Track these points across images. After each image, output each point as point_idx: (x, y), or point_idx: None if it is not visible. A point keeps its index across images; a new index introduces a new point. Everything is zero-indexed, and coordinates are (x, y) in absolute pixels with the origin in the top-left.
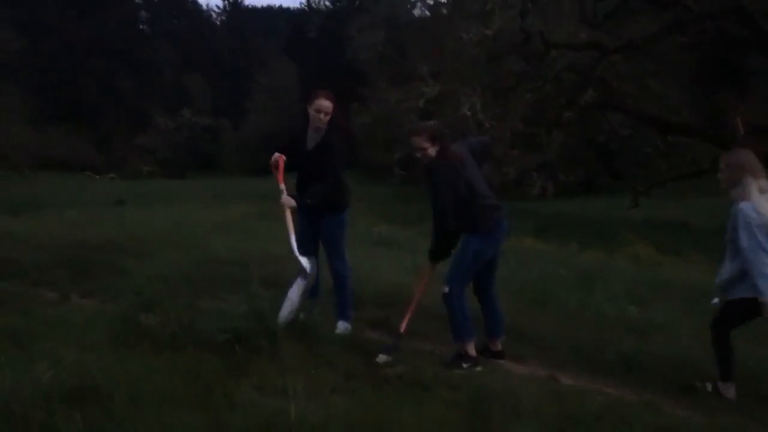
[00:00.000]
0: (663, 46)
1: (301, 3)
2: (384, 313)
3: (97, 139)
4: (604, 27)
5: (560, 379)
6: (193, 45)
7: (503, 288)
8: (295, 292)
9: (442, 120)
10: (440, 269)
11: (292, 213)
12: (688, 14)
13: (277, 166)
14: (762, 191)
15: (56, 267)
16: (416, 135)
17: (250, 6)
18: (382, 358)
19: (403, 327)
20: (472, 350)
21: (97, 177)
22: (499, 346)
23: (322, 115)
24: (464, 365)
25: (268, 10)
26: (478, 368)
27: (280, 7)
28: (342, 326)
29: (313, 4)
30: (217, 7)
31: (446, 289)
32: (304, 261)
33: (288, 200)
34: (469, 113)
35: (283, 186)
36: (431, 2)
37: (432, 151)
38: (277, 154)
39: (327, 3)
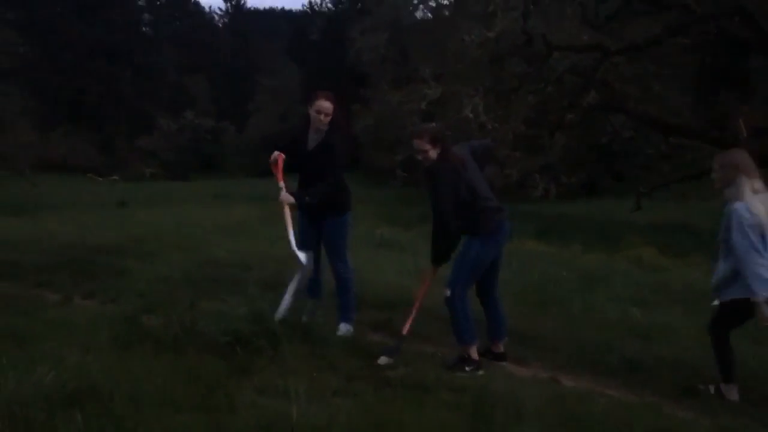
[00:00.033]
0: (665, 48)
1: (303, 5)
2: (386, 316)
3: (100, 141)
4: (606, 29)
5: (562, 382)
6: (195, 47)
7: (505, 290)
8: (293, 287)
9: (445, 122)
10: (443, 272)
11: (291, 210)
12: (690, 15)
13: (276, 165)
14: (755, 191)
15: (58, 268)
16: (417, 137)
17: (252, 8)
18: (383, 360)
19: (405, 329)
20: (474, 353)
21: (100, 179)
22: (501, 348)
23: (322, 116)
24: (466, 368)
25: (271, 12)
26: (481, 372)
27: (283, 9)
28: (344, 328)
29: (316, 6)
30: (220, 9)
31: (448, 293)
32: (302, 255)
33: (287, 197)
34: (471, 115)
35: (282, 183)
36: (433, 4)
37: (433, 153)
38: (276, 153)
39: (329, 5)
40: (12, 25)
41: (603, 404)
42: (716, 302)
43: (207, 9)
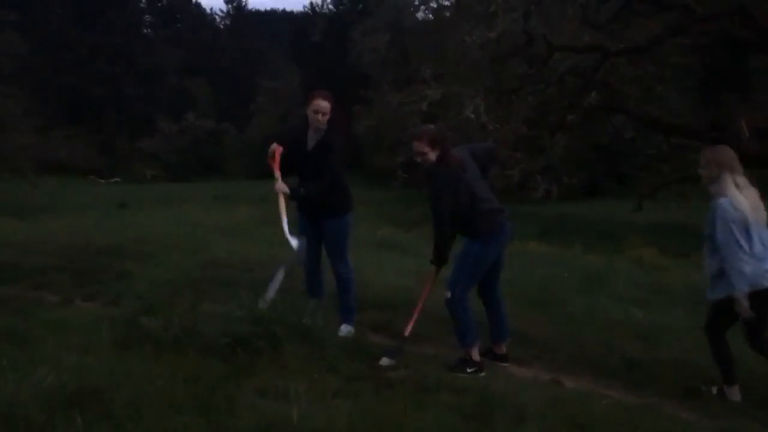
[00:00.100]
0: (666, 49)
1: (304, 7)
2: (387, 317)
3: (101, 143)
4: (607, 29)
5: (564, 383)
6: (196, 49)
7: (506, 291)
8: (280, 274)
9: (446, 123)
10: (445, 273)
11: (286, 200)
12: (691, 16)
13: (273, 157)
14: (739, 187)
15: (58, 270)
16: (416, 139)
17: (253, 9)
18: (385, 361)
19: (407, 331)
20: (475, 355)
21: (101, 181)
22: (503, 349)
23: (320, 116)
24: (468, 370)
25: (272, 14)
26: (482, 373)
27: (284, 10)
28: (345, 329)
29: (317, 8)
30: (221, 10)
31: (448, 294)
32: (294, 241)
33: (282, 186)
34: (472, 116)
35: (278, 174)
36: (434, 5)
37: (432, 155)
38: (275, 145)
39: (330, 7)
40: (13, 26)
41: (604, 405)
42: (710, 298)
43: (208, 10)
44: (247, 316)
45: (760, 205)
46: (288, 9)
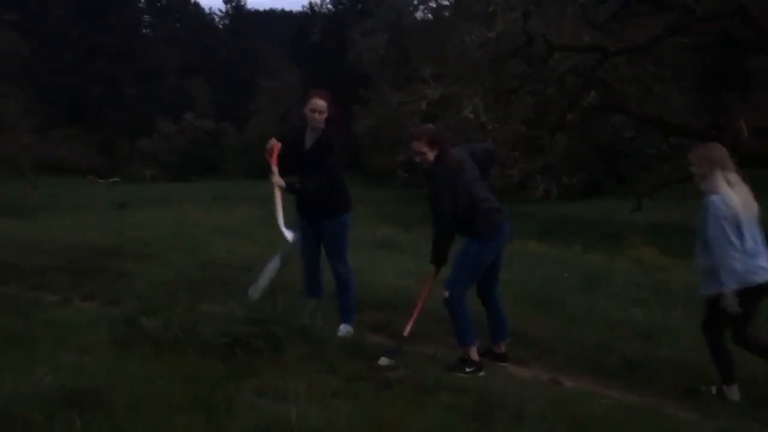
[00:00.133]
0: (665, 48)
1: (303, 6)
2: (386, 317)
3: (100, 143)
4: (606, 29)
5: (563, 383)
6: (195, 48)
7: (506, 290)
8: (273, 266)
9: (445, 122)
10: (444, 272)
11: (282, 193)
12: (690, 16)
13: (271, 152)
14: (731, 184)
15: (58, 270)
16: (415, 139)
17: (252, 9)
18: (384, 361)
19: (407, 331)
20: (474, 354)
21: (100, 181)
22: (503, 348)
23: (317, 115)
24: (467, 369)
25: (271, 14)
26: (481, 373)
27: (283, 10)
28: (344, 329)
29: (316, 8)
30: (220, 10)
31: (447, 294)
32: (289, 234)
33: (278, 180)
34: (471, 116)
35: (275, 168)
36: (434, 5)
37: (431, 155)
38: (273, 140)
39: (329, 6)
40: (12, 26)
41: (604, 405)
42: (703, 294)
43: (207, 10)
44: (247, 316)
45: (752, 201)
46: (287, 9)
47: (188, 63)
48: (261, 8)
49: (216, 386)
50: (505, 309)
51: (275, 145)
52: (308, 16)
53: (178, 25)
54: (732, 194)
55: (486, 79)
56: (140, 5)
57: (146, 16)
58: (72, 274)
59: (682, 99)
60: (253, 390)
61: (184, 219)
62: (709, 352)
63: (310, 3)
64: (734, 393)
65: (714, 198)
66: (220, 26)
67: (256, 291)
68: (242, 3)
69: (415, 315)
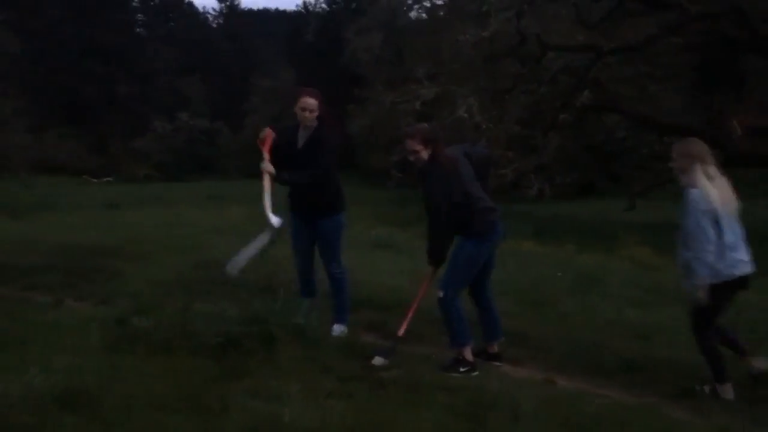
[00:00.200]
0: (659, 48)
1: (297, 6)
2: (381, 316)
3: (94, 143)
4: (600, 29)
5: (557, 382)
6: (189, 48)
7: (501, 290)
8: (254, 246)
9: (439, 122)
10: (440, 272)
11: (271, 179)
12: (684, 15)
13: (264, 141)
14: (710, 178)
15: (50, 270)
16: (409, 138)
17: (246, 8)
18: (378, 360)
19: (401, 331)
20: (469, 355)
21: (94, 180)
22: (496, 348)
23: (307, 113)
24: (461, 369)
25: (265, 13)
26: (475, 373)
27: (277, 9)
28: (338, 329)
29: (310, 7)
30: (214, 9)
31: (441, 294)
32: (275, 219)
33: (268, 166)
34: (465, 115)
35: (267, 155)
36: (428, 4)
37: (425, 154)
38: (267, 129)
39: (323, 5)
40: (5, 26)
41: (598, 405)
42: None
43: (201, 9)
44: (240, 316)
45: (732, 195)
46: (281, 8)
47: (182, 62)
48: (255, 7)
49: (209, 387)
50: (497, 309)
51: (269, 133)
52: (302, 15)
53: (172, 24)
54: (711, 188)
55: (480, 78)
56: (134, 4)
57: (140, 15)
58: (64, 274)
59: (676, 99)
60: (246, 390)
61: (179, 218)
62: (700, 352)
63: (305, 2)
64: (728, 392)
65: (693, 192)
66: (215, 25)
67: (234, 268)
68: (236, 2)
69: (410, 315)
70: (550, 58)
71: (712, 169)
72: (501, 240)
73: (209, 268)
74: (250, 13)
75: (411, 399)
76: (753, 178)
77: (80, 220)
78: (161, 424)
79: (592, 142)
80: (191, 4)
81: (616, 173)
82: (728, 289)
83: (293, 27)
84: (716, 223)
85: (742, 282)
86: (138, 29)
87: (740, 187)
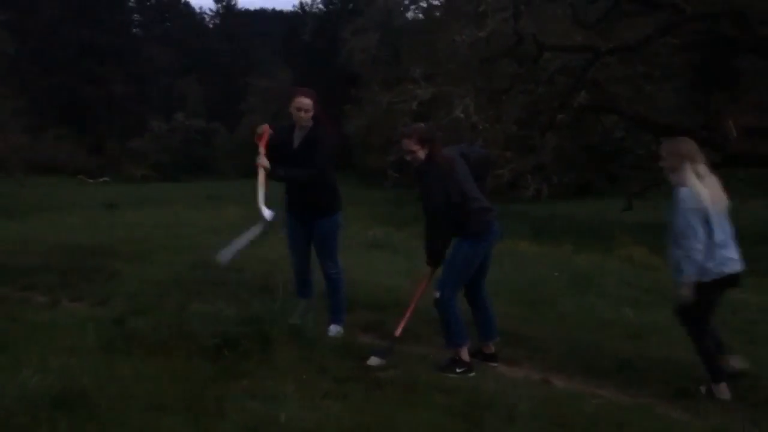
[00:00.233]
0: (656, 48)
1: (294, 6)
2: (377, 317)
3: (90, 143)
4: (597, 29)
5: (554, 382)
6: (186, 48)
7: (497, 290)
8: (246, 236)
9: (436, 122)
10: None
11: (265, 174)
12: (680, 15)
13: (261, 136)
14: (700, 177)
15: (46, 271)
16: (406, 137)
17: (243, 9)
18: (374, 360)
19: (398, 331)
20: (465, 355)
21: (90, 181)
22: (492, 349)
23: (302, 113)
24: (457, 370)
25: (261, 13)
26: (472, 373)
27: (273, 9)
28: (334, 330)
29: (307, 7)
30: (210, 9)
31: (438, 294)
32: (267, 213)
33: (264, 161)
34: (462, 116)
35: (263, 150)
36: (425, 5)
37: (422, 153)
38: (265, 125)
39: (320, 6)
40: (2, 26)
41: (595, 405)
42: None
43: (198, 10)
44: (237, 317)
45: (721, 194)
46: (278, 8)
47: (179, 62)
48: (252, 8)
49: (205, 387)
50: (493, 309)
51: (265, 129)
52: (299, 15)
53: (168, 24)
54: (701, 187)
55: (477, 79)
56: (130, 5)
57: (136, 15)
58: (61, 275)
59: (672, 99)
60: (242, 391)
61: (175, 219)
62: (695, 351)
63: (301, 2)
64: (723, 391)
65: (682, 190)
66: (211, 26)
67: (224, 256)
68: (233, 2)
69: (407, 315)
70: (547, 58)
71: (702, 168)
72: (497, 240)
73: (206, 268)
74: (247, 13)
75: (407, 399)
76: (749, 178)
77: (78, 220)
78: (157, 425)
79: (590, 142)
80: (188, 5)
81: (613, 173)
82: (718, 287)
83: (290, 27)
84: (706, 221)
85: (732, 280)
86: (135, 29)
87: (740, 187)
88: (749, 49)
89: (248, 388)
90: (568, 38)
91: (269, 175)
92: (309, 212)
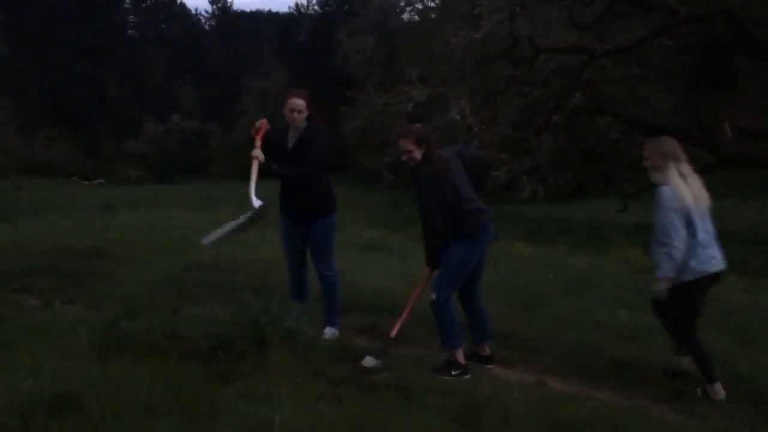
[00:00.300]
0: (651, 50)
1: (290, 7)
2: (372, 319)
3: (85, 145)
4: (593, 31)
5: (549, 384)
6: (181, 49)
7: (492, 292)
8: (234, 223)
9: (432, 124)
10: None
11: (259, 166)
12: (675, 17)
13: (258, 130)
14: (683, 176)
15: (40, 273)
16: (402, 138)
17: (239, 10)
18: (369, 360)
19: (394, 332)
20: (461, 357)
21: (85, 182)
22: (487, 351)
23: (296, 114)
24: (453, 372)
25: (257, 14)
26: (468, 376)
27: (269, 11)
28: (329, 332)
29: (303, 9)
30: (206, 11)
31: (434, 296)
32: (257, 201)
33: (259, 153)
34: (458, 117)
35: (259, 142)
36: (420, 6)
37: (418, 154)
38: (263, 120)
39: (316, 7)
40: None
41: (590, 407)
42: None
43: (193, 11)
44: (231, 320)
45: (703, 193)
46: (274, 10)
47: (174, 64)
48: (247, 9)
49: (198, 391)
50: (486, 311)
51: (263, 123)
52: (295, 17)
53: (163, 25)
54: (683, 186)
55: (472, 80)
56: (125, 6)
57: (132, 17)
58: (54, 277)
59: (668, 100)
60: (236, 394)
61: (170, 220)
62: (686, 353)
63: (297, 4)
64: (718, 392)
65: (664, 189)
66: (207, 27)
67: (209, 239)
68: (228, 4)
69: (404, 316)
70: (543, 60)
71: (685, 167)
72: (492, 241)
73: (201, 270)
74: (242, 14)
75: (402, 402)
76: (743, 179)
77: (71, 222)
78: (151, 429)
79: (585, 143)
80: (183, 6)
81: (608, 174)
82: (701, 285)
83: (286, 29)
84: (689, 220)
85: (714, 278)
86: (129, 31)
87: (737, 188)
88: (744, 50)
89: (242, 390)
90: (563, 40)
91: (262, 168)
92: (304, 214)
